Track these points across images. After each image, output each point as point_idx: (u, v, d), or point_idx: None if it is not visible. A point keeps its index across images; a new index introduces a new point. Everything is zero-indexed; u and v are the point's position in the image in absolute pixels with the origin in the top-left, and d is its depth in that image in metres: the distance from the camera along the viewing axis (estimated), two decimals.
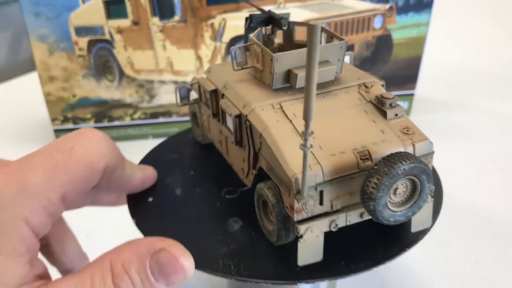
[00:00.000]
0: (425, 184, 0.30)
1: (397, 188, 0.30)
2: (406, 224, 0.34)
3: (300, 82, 0.33)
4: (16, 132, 0.78)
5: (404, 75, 0.73)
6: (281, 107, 0.33)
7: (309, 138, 0.26)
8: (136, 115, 0.72)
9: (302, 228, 0.30)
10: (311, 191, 0.29)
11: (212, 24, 0.66)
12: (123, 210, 0.54)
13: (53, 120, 0.71)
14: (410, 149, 0.32)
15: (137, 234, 0.59)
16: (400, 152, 0.29)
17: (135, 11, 0.65)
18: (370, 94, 0.35)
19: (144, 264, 0.30)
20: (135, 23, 0.65)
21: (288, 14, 0.38)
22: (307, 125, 0.25)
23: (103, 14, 0.65)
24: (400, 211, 0.30)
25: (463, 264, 0.50)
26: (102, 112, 0.71)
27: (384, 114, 0.33)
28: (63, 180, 0.31)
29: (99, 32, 0.66)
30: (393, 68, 0.72)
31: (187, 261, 0.31)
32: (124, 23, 0.65)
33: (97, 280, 0.29)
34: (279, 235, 0.32)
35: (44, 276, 0.30)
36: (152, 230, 0.36)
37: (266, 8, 0.40)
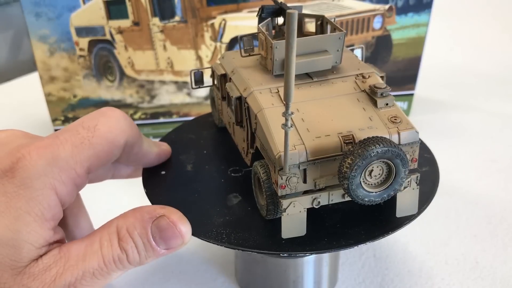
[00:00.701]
0: (400, 168, 0.32)
1: (372, 170, 0.32)
2: (394, 210, 0.36)
3: (297, 69, 0.35)
4: None
5: (404, 76, 0.73)
6: (278, 91, 0.35)
7: (289, 119, 0.28)
8: (137, 115, 0.72)
9: (285, 202, 0.33)
10: (294, 169, 0.32)
11: (212, 25, 0.66)
12: (122, 209, 0.54)
13: (54, 120, 0.71)
14: (395, 137, 0.33)
15: None
16: (376, 136, 0.31)
17: (136, 11, 0.65)
18: (366, 84, 0.37)
19: (146, 229, 0.33)
20: (136, 23, 0.66)
21: (300, 7, 0.40)
22: (287, 107, 0.28)
23: (104, 15, 0.65)
24: (375, 192, 0.32)
25: (463, 264, 0.50)
26: None
27: (375, 103, 0.35)
28: (89, 154, 0.34)
29: (100, 32, 0.66)
30: (392, 68, 0.72)
31: (184, 227, 0.34)
32: (125, 23, 0.66)
33: (105, 242, 0.33)
34: (268, 209, 0.35)
35: (61, 242, 0.34)
36: (159, 199, 0.39)
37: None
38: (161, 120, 0.73)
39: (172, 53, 0.68)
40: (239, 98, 0.37)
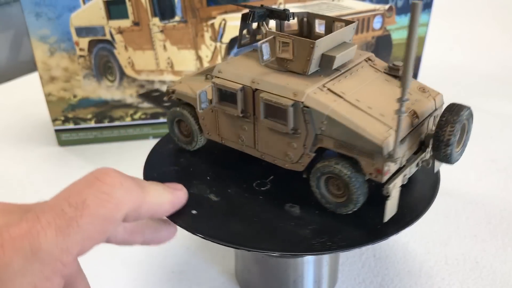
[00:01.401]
0: (470, 126, 0.37)
1: None
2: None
3: (337, 63, 0.36)
4: (17, 132, 0.79)
5: None
6: (327, 88, 0.36)
7: (404, 105, 0.30)
8: (137, 115, 0.72)
9: (391, 187, 0.34)
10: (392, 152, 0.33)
11: (212, 25, 0.66)
12: None
13: (54, 120, 0.71)
14: (432, 103, 0.37)
15: None
16: (454, 103, 0.35)
17: (136, 11, 0.65)
18: (378, 66, 0.39)
19: None
20: (136, 23, 0.66)
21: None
22: (403, 92, 0.30)
23: (104, 15, 0.65)
24: (458, 151, 0.36)
25: (462, 264, 0.50)
26: (103, 113, 0.71)
27: (398, 79, 0.38)
28: (77, 239, 0.28)
29: (100, 32, 0.66)
30: None
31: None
32: (125, 23, 0.66)
33: None
34: (357, 202, 0.35)
35: None
36: (226, 238, 0.35)
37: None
38: (161, 120, 0.73)
39: (172, 53, 0.68)
40: (294, 105, 0.35)
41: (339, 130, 0.34)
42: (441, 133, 0.34)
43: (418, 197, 0.38)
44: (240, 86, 0.37)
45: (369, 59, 0.40)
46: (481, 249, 0.52)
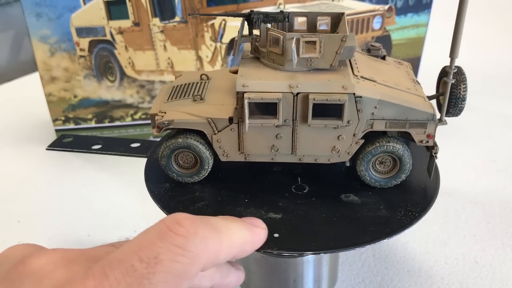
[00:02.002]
0: None
1: None
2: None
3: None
4: (18, 132, 0.79)
5: None
6: (361, 76, 0.37)
7: (452, 72, 0.37)
8: (137, 115, 0.72)
9: (438, 147, 0.38)
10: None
11: (212, 25, 0.66)
12: (123, 209, 0.54)
13: (55, 120, 0.71)
14: (412, 71, 0.43)
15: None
16: (455, 66, 0.39)
17: (136, 12, 0.65)
18: (357, 49, 0.42)
19: None
20: (136, 24, 0.66)
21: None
22: (452, 62, 0.37)
23: (104, 15, 0.65)
24: None
25: (462, 264, 0.50)
26: (103, 113, 0.71)
27: (382, 57, 0.43)
28: None
29: (100, 32, 0.66)
30: None
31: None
32: (125, 23, 0.66)
33: None
34: (408, 170, 0.39)
35: None
36: (335, 244, 0.35)
37: (265, 9, 0.41)
38: None
39: (173, 54, 0.68)
40: (349, 98, 0.36)
41: (391, 111, 0.37)
42: (457, 92, 0.39)
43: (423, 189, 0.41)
44: (280, 94, 0.36)
45: None
46: (480, 249, 0.52)
